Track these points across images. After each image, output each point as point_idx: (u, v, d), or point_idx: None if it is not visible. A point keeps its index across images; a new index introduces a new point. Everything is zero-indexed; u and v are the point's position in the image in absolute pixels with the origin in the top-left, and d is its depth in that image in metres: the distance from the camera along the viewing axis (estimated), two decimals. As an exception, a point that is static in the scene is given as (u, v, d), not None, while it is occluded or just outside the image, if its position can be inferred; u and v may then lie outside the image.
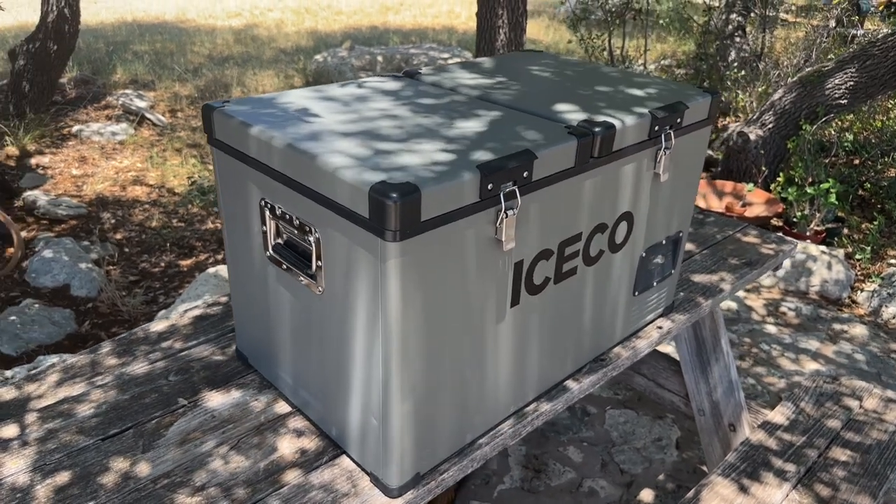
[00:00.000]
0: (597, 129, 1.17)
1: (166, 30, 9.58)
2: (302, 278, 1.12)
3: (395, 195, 0.89)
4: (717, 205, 4.23)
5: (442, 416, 1.14)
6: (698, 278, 1.83)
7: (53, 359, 2.67)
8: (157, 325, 1.57)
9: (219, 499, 1.12)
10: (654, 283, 1.54)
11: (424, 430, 1.12)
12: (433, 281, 0.99)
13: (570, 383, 1.41)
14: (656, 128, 1.28)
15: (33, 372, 1.43)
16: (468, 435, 1.22)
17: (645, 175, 1.33)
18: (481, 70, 1.53)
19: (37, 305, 3.15)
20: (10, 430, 1.25)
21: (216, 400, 1.34)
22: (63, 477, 1.15)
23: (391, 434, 1.08)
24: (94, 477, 1.15)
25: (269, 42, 8.97)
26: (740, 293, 3.40)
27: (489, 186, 1.00)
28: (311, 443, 1.24)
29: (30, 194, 4.33)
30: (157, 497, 1.12)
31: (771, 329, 3.10)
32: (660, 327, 1.62)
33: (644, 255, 1.45)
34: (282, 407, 1.33)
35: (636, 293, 1.49)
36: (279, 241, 1.16)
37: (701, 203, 4.22)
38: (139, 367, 1.43)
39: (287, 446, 1.23)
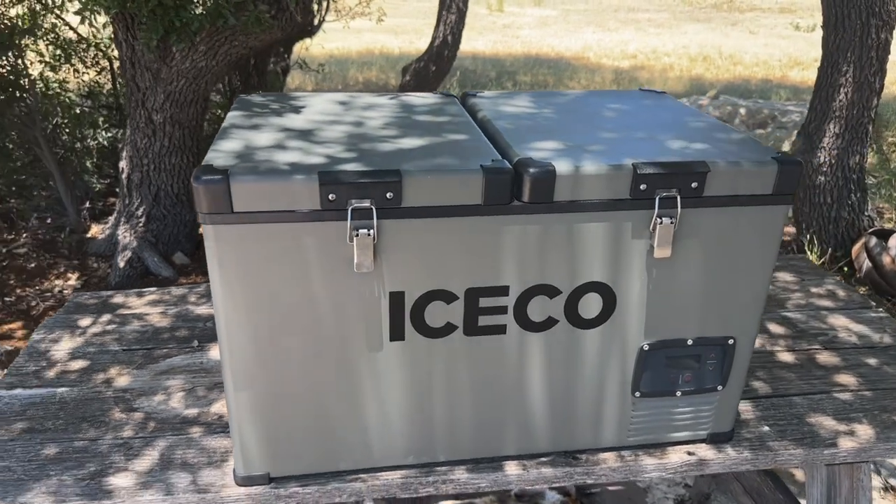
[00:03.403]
0: (531, 170, 0.99)
1: (557, 65, 10.34)
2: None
3: (204, 178, 0.92)
4: None
5: (298, 427, 1.11)
6: (817, 420, 1.33)
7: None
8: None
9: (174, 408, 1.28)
10: (678, 393, 1.19)
11: (273, 433, 1.10)
12: (259, 277, 0.98)
13: (510, 465, 1.20)
14: (642, 186, 1.01)
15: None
16: (341, 462, 1.15)
17: (630, 244, 1.05)
18: (549, 102, 1.38)
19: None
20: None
21: (215, 351, 1.51)
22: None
23: (233, 419, 1.10)
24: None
25: (642, 84, 8.98)
26: None
27: (330, 197, 0.94)
28: (234, 412, 1.32)
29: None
30: (100, 403, 1.34)
31: None
32: (690, 453, 1.24)
33: (647, 348, 1.14)
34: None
35: (637, 394, 1.18)
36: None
37: None
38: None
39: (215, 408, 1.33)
